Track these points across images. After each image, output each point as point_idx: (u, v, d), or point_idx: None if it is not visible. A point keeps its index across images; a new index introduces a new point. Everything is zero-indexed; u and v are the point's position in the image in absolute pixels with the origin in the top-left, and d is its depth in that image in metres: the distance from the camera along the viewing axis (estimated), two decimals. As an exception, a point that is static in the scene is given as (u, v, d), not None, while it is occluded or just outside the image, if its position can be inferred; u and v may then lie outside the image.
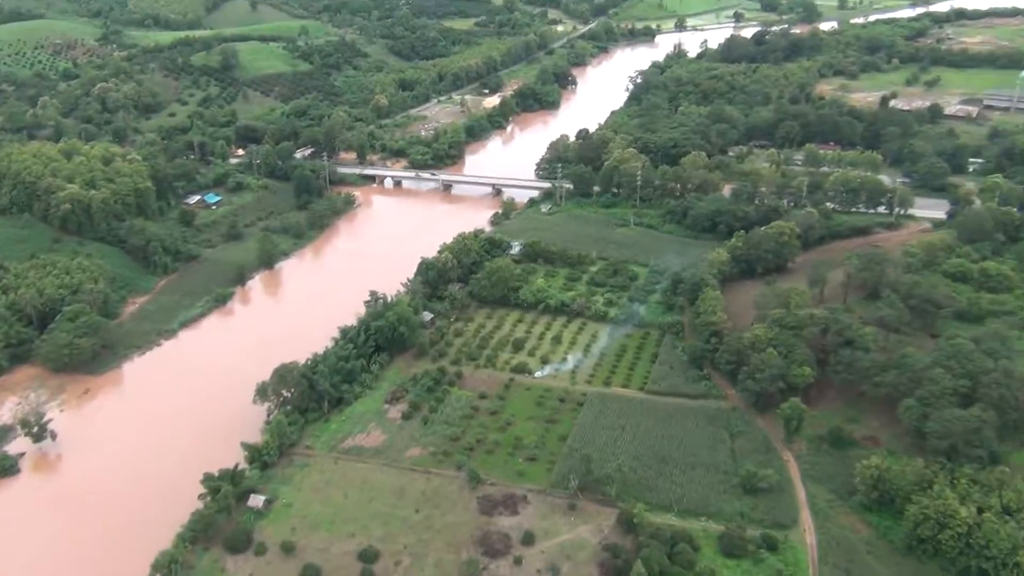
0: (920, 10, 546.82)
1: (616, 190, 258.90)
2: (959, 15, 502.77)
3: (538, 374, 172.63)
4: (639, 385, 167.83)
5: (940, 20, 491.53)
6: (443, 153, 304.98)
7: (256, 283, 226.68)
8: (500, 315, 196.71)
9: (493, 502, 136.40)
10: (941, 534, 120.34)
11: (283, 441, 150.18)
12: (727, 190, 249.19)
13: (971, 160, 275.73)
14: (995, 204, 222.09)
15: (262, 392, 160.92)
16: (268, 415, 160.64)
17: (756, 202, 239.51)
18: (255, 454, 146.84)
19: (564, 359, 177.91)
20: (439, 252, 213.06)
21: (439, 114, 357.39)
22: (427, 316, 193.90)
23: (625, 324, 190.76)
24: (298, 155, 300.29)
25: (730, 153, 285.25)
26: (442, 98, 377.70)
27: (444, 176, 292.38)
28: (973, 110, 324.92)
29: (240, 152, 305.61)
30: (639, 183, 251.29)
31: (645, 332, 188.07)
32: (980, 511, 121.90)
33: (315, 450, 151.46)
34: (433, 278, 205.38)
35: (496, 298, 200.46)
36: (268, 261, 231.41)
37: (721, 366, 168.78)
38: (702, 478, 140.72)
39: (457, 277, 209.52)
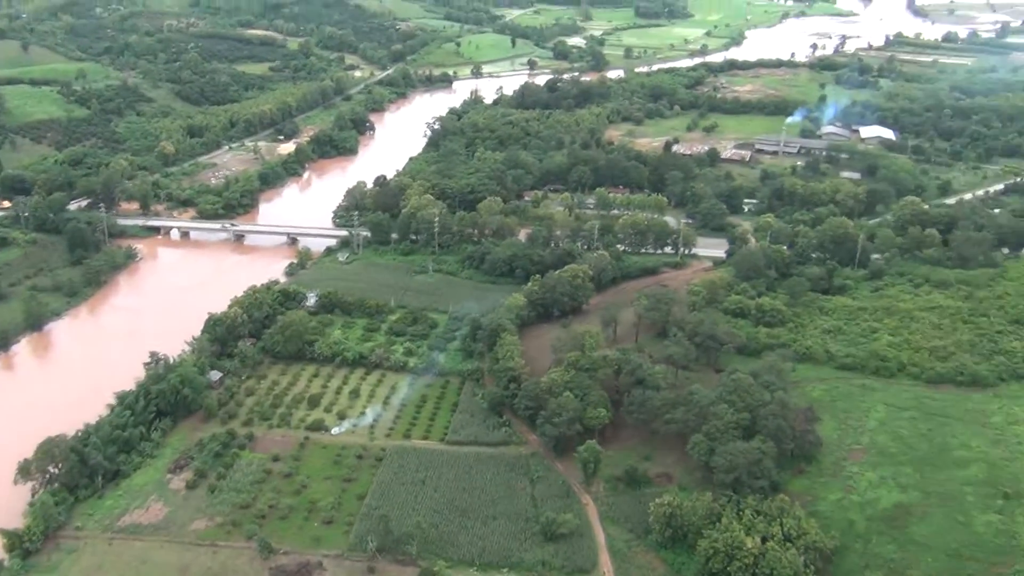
0: (698, 60, 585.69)
1: (414, 237, 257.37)
2: (731, 65, 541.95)
3: (335, 431, 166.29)
4: (440, 436, 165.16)
5: (715, 70, 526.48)
6: (235, 202, 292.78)
7: (22, 347, 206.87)
8: (295, 371, 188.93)
9: (286, 573, 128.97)
10: (730, 566, 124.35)
11: (48, 524, 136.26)
12: (523, 234, 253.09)
13: (746, 200, 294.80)
14: (767, 242, 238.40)
15: (24, 470, 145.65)
16: (32, 495, 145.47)
17: (551, 246, 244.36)
18: (15, 541, 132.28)
19: (363, 413, 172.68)
20: (229, 307, 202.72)
21: (231, 161, 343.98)
22: (215, 376, 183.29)
23: (425, 373, 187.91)
24: (73, 206, 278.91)
25: (526, 198, 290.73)
26: (234, 145, 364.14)
27: (236, 226, 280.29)
28: (746, 154, 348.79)
29: (6, 204, 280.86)
30: (437, 229, 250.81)
31: (446, 381, 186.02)
32: (764, 540, 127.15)
33: (86, 531, 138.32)
34: (222, 335, 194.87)
35: (291, 353, 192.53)
36: (35, 323, 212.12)
37: (520, 412, 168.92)
38: (503, 528, 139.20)
39: (249, 332, 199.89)
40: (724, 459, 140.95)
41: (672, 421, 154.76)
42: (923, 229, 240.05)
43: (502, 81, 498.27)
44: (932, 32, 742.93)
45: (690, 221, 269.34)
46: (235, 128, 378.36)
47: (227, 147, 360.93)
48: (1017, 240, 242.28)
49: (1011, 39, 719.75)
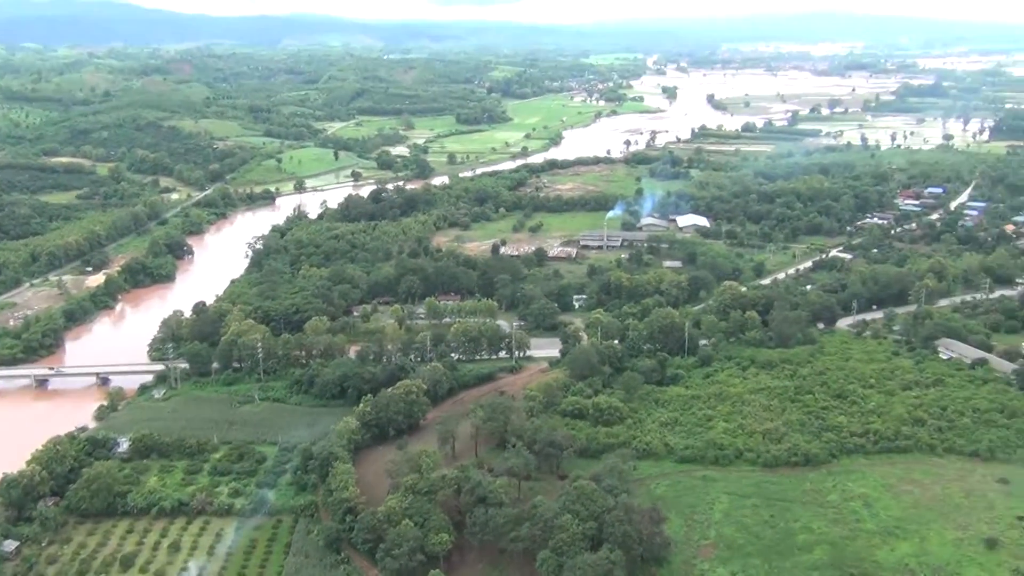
0: (520, 162, 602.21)
1: (237, 365, 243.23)
2: (552, 165, 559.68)
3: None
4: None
5: (537, 170, 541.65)
6: (36, 344, 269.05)
7: None
8: (105, 529, 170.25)
9: None
10: None
11: None
12: (353, 352, 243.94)
13: (576, 297, 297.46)
14: (599, 339, 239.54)
15: None
16: None
17: (384, 361, 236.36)
18: None
19: (184, 569, 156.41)
20: (26, 464, 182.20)
21: (33, 299, 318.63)
22: (10, 545, 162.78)
23: (254, 515, 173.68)
24: None
25: (355, 313, 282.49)
26: (36, 281, 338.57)
27: (36, 371, 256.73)
28: (572, 251, 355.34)
29: None
30: (261, 355, 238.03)
31: (277, 520, 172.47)
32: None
33: None
34: (18, 497, 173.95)
35: (100, 509, 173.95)
36: None
37: (359, 546, 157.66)
38: None
39: (50, 491, 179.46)
40: (573, 575, 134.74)
41: (518, 539, 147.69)
42: (743, 312, 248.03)
43: (326, 195, 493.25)
44: (732, 123, 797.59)
45: (522, 323, 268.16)
46: (37, 263, 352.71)
47: (28, 284, 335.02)
48: (829, 315, 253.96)
49: (802, 126, 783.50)
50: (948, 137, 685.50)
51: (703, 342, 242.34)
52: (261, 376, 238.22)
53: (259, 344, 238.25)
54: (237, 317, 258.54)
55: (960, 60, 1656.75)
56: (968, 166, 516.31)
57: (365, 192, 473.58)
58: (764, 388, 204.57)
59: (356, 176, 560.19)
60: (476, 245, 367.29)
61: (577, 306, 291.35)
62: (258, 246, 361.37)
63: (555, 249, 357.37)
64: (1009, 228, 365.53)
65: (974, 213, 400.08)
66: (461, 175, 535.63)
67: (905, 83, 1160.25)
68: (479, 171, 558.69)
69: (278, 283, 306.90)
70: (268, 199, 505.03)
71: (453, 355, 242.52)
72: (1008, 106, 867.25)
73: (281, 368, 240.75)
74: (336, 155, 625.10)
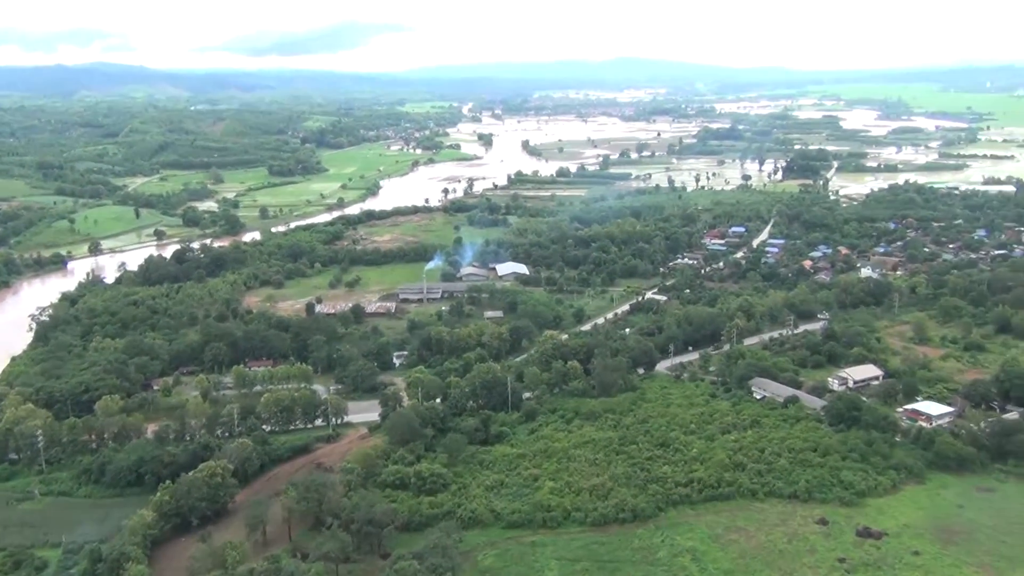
0: (336, 214, 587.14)
1: (15, 456, 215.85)
2: (369, 216, 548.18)
3: None
4: None
5: (354, 222, 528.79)
6: None
7: None
8: None
9: None
10: None
11: None
12: (152, 432, 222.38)
13: (396, 354, 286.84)
14: (420, 399, 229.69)
15: None
16: None
17: (186, 440, 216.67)
18: None
19: None
20: None
21: None
22: None
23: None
24: None
25: (154, 388, 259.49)
26: None
27: None
28: (391, 305, 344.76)
29: None
30: (42, 443, 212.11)
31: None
32: None
33: None
34: None
35: None
36: None
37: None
38: None
39: None
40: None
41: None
42: (565, 362, 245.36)
43: (126, 256, 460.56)
44: (547, 169, 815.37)
45: (340, 387, 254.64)
46: None
47: None
48: (648, 359, 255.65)
49: (613, 170, 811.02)
50: (746, 177, 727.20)
51: (527, 395, 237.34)
52: (43, 467, 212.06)
53: (39, 432, 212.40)
54: (14, 402, 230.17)
55: (752, 105, 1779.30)
56: (766, 205, 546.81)
57: (170, 252, 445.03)
58: (589, 441, 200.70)
59: (159, 235, 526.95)
60: (290, 304, 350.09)
61: (398, 364, 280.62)
62: (43, 318, 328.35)
63: (374, 305, 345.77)
64: (807, 264, 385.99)
65: (774, 250, 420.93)
66: (274, 230, 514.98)
67: (705, 127, 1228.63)
68: (293, 225, 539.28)
69: (65, 359, 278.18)
70: (59, 264, 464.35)
71: (265, 427, 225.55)
72: (797, 147, 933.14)
73: (67, 456, 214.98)
74: (137, 213, 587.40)
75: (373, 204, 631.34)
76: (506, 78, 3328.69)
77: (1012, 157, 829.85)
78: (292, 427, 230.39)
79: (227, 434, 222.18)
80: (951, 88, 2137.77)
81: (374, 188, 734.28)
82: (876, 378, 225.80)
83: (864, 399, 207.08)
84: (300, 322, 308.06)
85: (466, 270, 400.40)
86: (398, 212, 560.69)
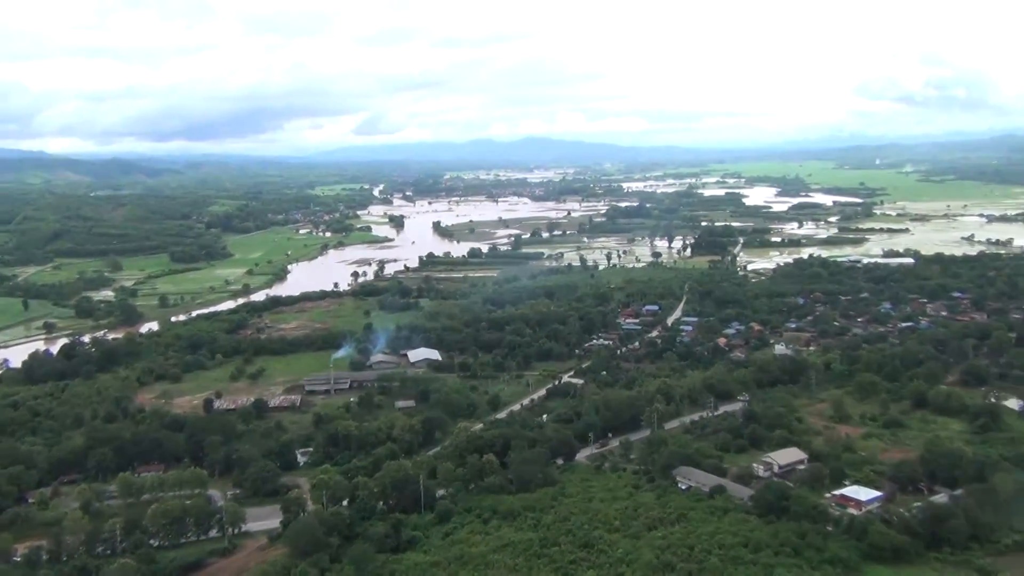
0: (241, 301, 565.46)
1: None
2: (275, 303, 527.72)
3: None
4: None
5: (259, 309, 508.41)
6: None
7: None
8: None
9: None
10: None
11: None
12: (22, 553, 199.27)
13: (301, 451, 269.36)
14: (325, 504, 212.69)
15: None
16: None
17: (63, 560, 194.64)
18: None
19: None
20: None
21: None
22: None
23: None
24: None
25: (30, 500, 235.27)
26: None
27: None
28: (296, 398, 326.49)
29: None
30: None
31: None
32: None
33: None
34: None
35: None
36: None
37: None
38: None
39: None
40: None
41: None
42: (481, 455, 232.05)
43: (9, 352, 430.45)
44: (459, 250, 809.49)
45: (238, 491, 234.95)
46: None
47: None
48: (568, 449, 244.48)
49: (525, 249, 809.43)
50: (657, 255, 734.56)
51: (441, 493, 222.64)
52: None
53: None
54: None
55: (658, 183, 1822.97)
56: (677, 281, 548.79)
57: (58, 346, 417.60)
58: (508, 544, 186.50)
59: (49, 327, 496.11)
60: (188, 400, 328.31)
61: (302, 462, 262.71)
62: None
63: (277, 398, 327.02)
64: (722, 341, 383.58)
65: (689, 328, 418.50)
66: (174, 319, 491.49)
67: (614, 205, 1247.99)
68: (195, 313, 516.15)
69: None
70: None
71: (153, 542, 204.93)
72: (703, 223, 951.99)
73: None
74: (26, 304, 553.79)
75: (280, 290, 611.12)
76: (417, 159, 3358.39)
77: (907, 230, 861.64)
78: (184, 540, 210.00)
79: (110, 552, 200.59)
80: (844, 165, 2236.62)
81: (281, 273, 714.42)
82: (801, 462, 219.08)
83: (791, 485, 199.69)
84: (196, 420, 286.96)
85: (376, 357, 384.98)
86: (306, 297, 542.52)
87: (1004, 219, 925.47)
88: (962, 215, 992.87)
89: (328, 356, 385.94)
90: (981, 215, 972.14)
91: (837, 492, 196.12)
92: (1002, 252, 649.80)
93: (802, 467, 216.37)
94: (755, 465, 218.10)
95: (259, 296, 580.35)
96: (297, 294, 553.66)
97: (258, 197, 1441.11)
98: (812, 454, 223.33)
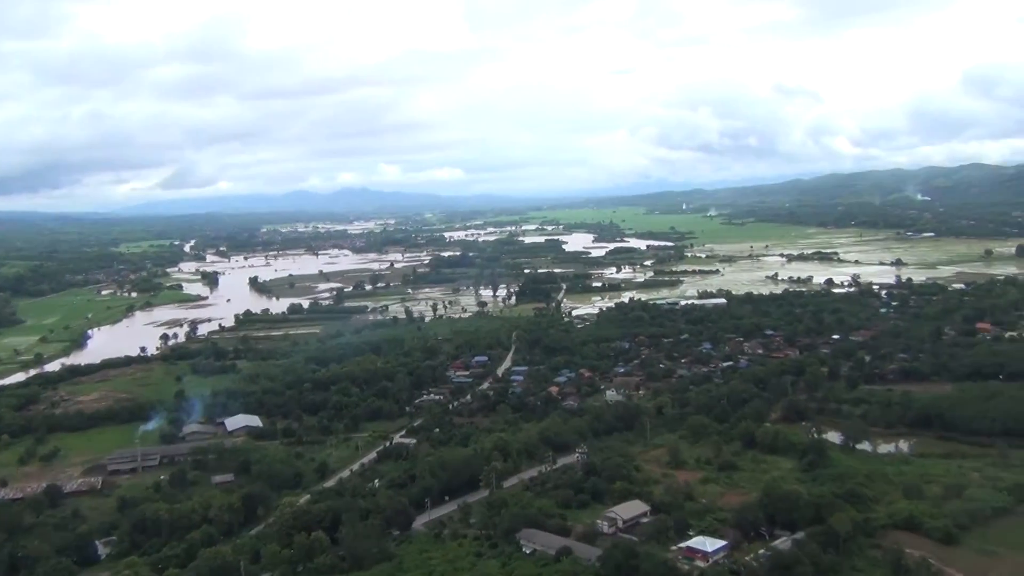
0: (33, 372, 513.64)
1: None
2: (73, 372, 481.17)
3: None
4: None
5: (54, 380, 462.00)
6: None
7: None
8: None
9: None
10: None
11: None
12: None
13: (105, 540, 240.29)
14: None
15: None
16: None
17: None
18: None
19: None
20: None
21: None
22: None
23: None
24: None
25: None
26: None
27: None
28: (98, 480, 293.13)
29: None
30: None
31: None
32: None
33: None
34: None
35: None
36: None
37: None
38: None
39: None
40: None
41: None
42: (309, 533, 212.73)
43: None
44: (278, 306, 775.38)
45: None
46: None
47: None
48: (404, 518, 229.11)
49: (348, 303, 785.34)
50: (482, 304, 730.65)
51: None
52: None
53: None
54: None
55: (479, 232, 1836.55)
56: (505, 330, 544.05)
57: None
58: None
59: None
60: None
61: (104, 555, 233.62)
62: None
63: (75, 482, 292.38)
64: (554, 390, 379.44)
65: (519, 378, 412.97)
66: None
67: (437, 255, 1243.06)
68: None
69: None
70: None
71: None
72: (526, 271, 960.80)
73: None
74: None
75: (79, 358, 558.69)
76: (231, 213, 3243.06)
77: (717, 271, 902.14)
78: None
79: None
80: (654, 210, 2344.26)
81: (80, 339, 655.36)
82: (644, 514, 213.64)
83: (638, 540, 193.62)
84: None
85: (189, 428, 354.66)
86: (108, 365, 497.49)
87: (801, 258, 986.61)
88: (764, 255, 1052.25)
89: (134, 429, 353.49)
90: (781, 255, 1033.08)
91: (683, 544, 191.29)
92: (803, 289, 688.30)
93: (645, 519, 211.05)
94: (599, 522, 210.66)
95: (54, 366, 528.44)
96: (98, 362, 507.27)
97: (54, 257, 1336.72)
98: (654, 505, 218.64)
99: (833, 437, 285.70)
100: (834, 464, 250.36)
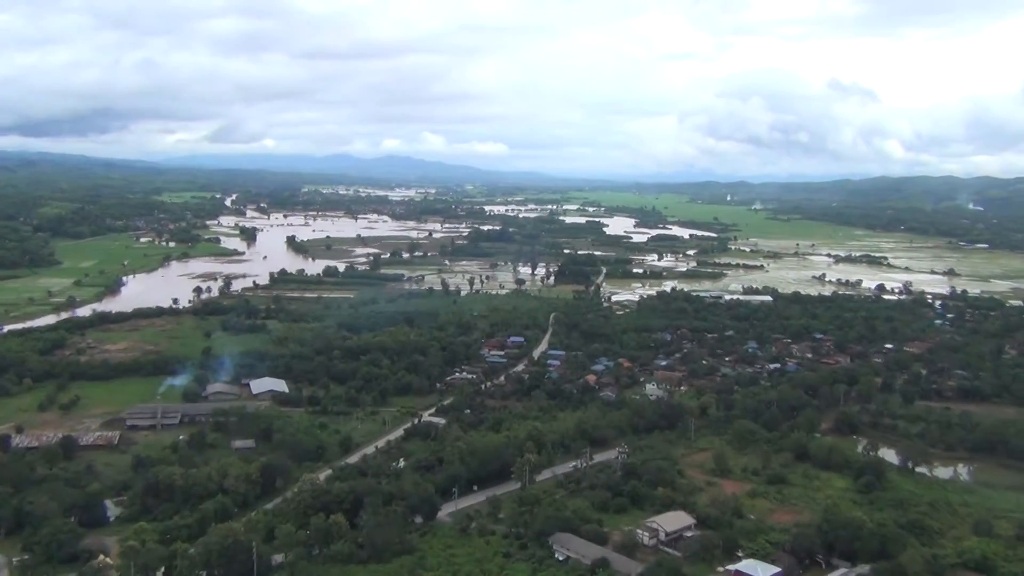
0: (65, 315, 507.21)
1: None
2: (103, 319, 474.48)
3: None
4: None
5: (83, 326, 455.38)
6: None
7: None
8: None
9: None
10: None
11: None
12: None
13: (116, 500, 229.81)
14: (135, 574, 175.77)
15: None
16: None
17: None
18: None
19: None
20: None
21: None
22: None
23: None
24: None
25: None
26: None
27: None
28: (115, 435, 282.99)
29: None
30: None
31: None
32: None
33: None
34: None
35: None
36: None
37: None
38: None
39: None
40: None
41: None
42: (327, 515, 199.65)
43: None
44: (314, 268, 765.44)
45: (27, 556, 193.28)
46: None
47: None
48: (429, 507, 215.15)
49: (384, 270, 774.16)
50: (520, 281, 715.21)
51: (278, 560, 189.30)
52: None
53: None
54: None
55: (520, 208, 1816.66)
56: (543, 311, 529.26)
57: None
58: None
59: None
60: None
61: (114, 516, 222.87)
62: None
63: (91, 435, 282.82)
64: (591, 379, 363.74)
65: (556, 363, 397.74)
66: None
67: (476, 228, 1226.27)
68: (7, 329, 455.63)
69: None
70: None
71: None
72: (566, 251, 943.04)
73: None
74: None
75: (111, 304, 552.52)
76: (274, 170, 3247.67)
77: (762, 267, 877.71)
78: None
79: None
80: (697, 199, 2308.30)
81: (114, 285, 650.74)
82: (689, 527, 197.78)
83: (681, 557, 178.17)
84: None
85: (214, 387, 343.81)
86: (139, 314, 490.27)
87: (849, 260, 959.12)
88: (810, 254, 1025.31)
89: (158, 384, 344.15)
90: (828, 254, 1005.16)
91: (732, 567, 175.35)
92: (853, 293, 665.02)
93: (690, 533, 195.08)
94: (639, 531, 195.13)
95: (85, 311, 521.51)
96: (130, 310, 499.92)
97: (96, 201, 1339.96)
98: (699, 518, 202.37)
99: (887, 455, 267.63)
100: (893, 487, 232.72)
